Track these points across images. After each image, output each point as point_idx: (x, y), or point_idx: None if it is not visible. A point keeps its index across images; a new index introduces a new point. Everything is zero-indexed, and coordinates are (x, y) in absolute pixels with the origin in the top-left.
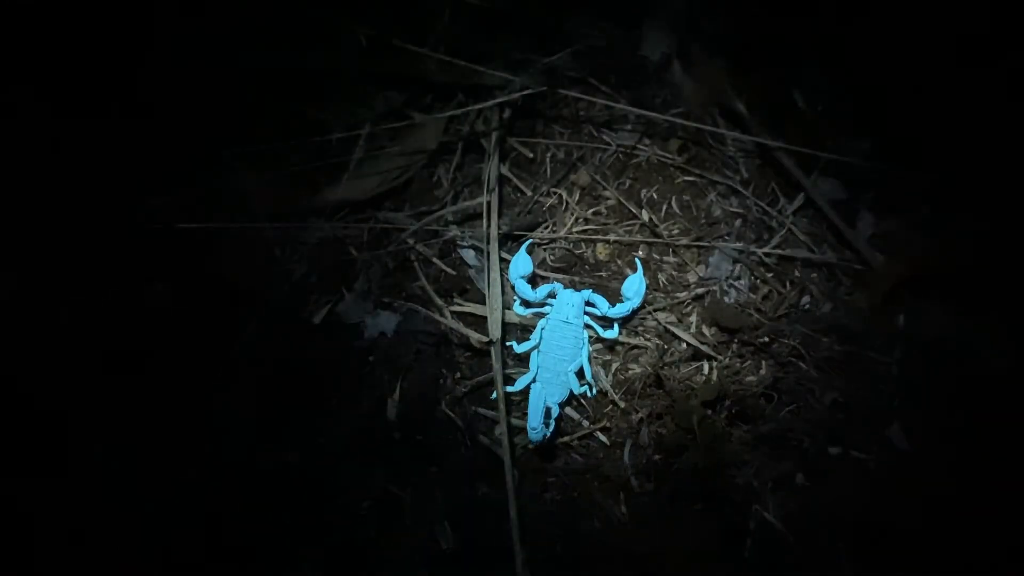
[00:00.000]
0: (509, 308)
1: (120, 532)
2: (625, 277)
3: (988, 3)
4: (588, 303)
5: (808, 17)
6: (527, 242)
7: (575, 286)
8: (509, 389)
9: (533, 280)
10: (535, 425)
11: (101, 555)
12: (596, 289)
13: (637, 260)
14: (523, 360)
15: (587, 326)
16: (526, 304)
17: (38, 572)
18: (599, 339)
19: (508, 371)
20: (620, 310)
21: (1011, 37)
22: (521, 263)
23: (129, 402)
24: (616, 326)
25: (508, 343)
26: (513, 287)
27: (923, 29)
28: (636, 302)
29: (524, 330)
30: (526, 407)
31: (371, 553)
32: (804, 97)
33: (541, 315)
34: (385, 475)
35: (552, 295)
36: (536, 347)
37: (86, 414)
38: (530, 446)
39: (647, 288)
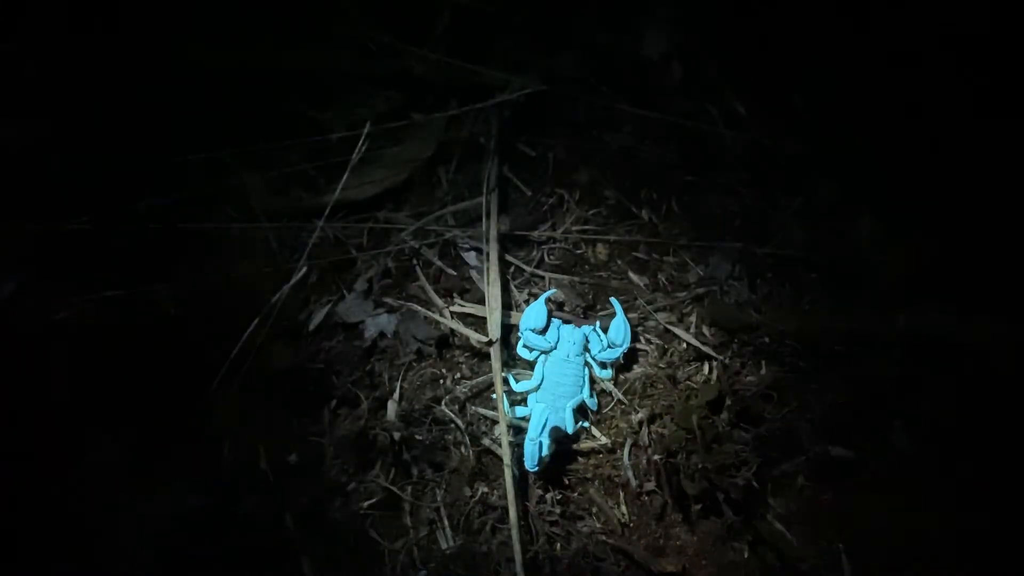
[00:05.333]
0: (509, 308)
1: (123, 533)
2: (625, 277)
3: (987, 5)
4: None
5: (807, 17)
6: (548, 292)
7: (575, 286)
8: (513, 414)
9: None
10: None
11: (103, 555)
12: (597, 290)
13: (614, 301)
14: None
15: (585, 363)
16: (530, 349)
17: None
18: (593, 378)
19: (508, 372)
20: (611, 355)
21: (1012, 40)
22: (535, 315)
23: (129, 403)
24: (610, 368)
25: (505, 375)
26: (520, 336)
27: (921, 31)
28: (625, 346)
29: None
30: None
31: (371, 553)
32: (804, 97)
33: (543, 351)
34: (385, 475)
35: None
36: (536, 387)
37: (87, 415)
38: (531, 471)
39: (630, 327)
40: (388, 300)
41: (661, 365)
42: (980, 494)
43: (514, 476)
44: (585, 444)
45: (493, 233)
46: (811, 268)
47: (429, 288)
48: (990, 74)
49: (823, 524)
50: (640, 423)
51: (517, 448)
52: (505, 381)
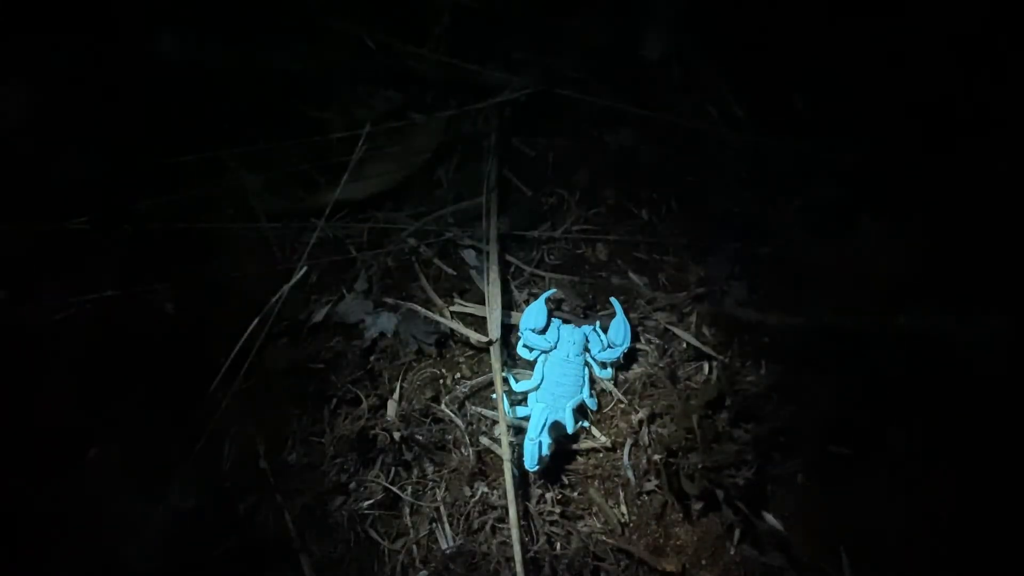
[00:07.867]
0: (509, 308)
1: (123, 533)
2: (625, 276)
3: (986, 5)
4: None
5: (807, 17)
6: (548, 292)
7: (575, 286)
8: (514, 414)
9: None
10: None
11: (104, 555)
12: (597, 290)
13: (614, 301)
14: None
15: (585, 363)
16: (530, 349)
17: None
18: (593, 378)
19: (508, 372)
20: (611, 355)
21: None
22: (535, 315)
23: (129, 403)
24: (610, 368)
25: (505, 375)
26: (520, 336)
27: (920, 30)
28: (625, 346)
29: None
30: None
31: (371, 553)
32: (803, 97)
33: (543, 351)
34: (385, 475)
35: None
36: (536, 387)
37: (87, 415)
38: (531, 471)
39: (631, 331)
40: (388, 300)
41: (661, 365)
42: (979, 494)
43: (514, 476)
44: (585, 444)
45: (493, 233)
46: (811, 268)
47: (429, 288)
48: (989, 74)
49: (823, 524)
50: (640, 423)
51: (517, 448)
52: (505, 381)
